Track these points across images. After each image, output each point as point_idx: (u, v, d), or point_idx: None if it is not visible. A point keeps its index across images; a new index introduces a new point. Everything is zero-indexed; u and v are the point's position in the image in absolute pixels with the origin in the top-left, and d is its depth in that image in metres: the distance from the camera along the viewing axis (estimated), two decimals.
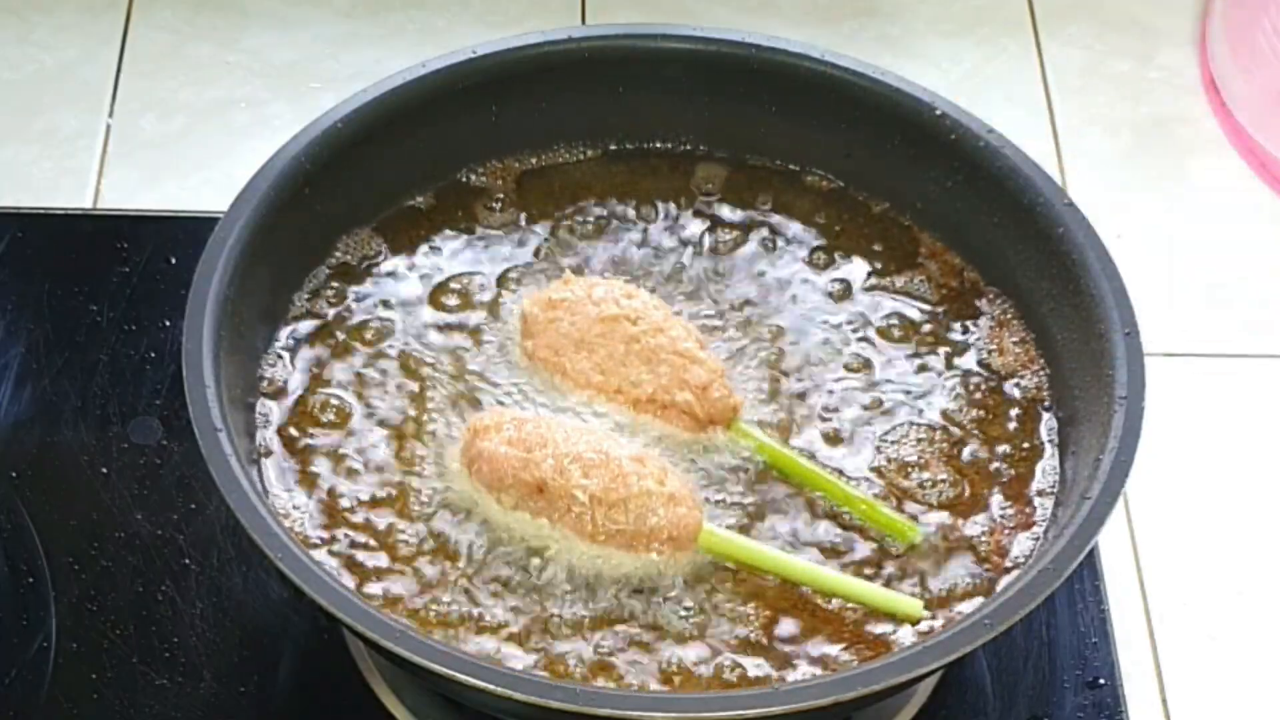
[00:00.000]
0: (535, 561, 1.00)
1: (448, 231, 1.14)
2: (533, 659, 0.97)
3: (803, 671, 0.97)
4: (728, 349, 1.09)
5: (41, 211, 1.32)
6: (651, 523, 0.99)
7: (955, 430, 1.07)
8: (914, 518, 1.03)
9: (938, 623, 0.99)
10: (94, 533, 1.15)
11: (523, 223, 1.15)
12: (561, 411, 1.06)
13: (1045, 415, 1.07)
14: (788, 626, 0.99)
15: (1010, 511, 1.04)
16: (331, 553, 1.00)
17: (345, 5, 1.50)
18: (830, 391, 1.08)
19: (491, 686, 0.90)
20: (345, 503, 1.02)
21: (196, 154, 1.39)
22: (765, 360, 1.09)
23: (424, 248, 1.13)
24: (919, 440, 1.06)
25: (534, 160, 1.17)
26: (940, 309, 1.12)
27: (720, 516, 1.02)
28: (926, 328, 1.11)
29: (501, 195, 1.16)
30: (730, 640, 0.98)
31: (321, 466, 1.04)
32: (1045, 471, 1.05)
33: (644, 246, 1.14)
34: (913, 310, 1.12)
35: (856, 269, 1.13)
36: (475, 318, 1.10)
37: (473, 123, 1.15)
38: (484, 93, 1.14)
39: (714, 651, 0.98)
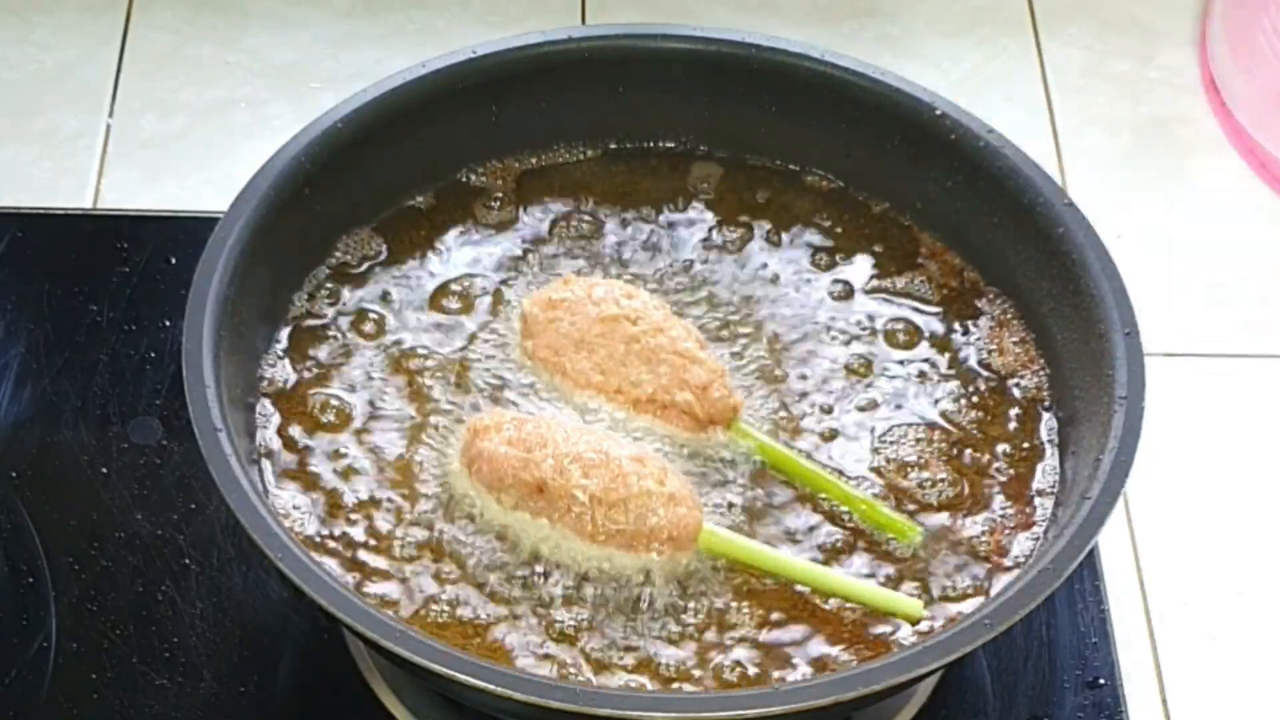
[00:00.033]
0: (535, 562, 1.00)
1: (448, 231, 1.14)
2: (532, 659, 0.97)
3: (802, 671, 0.97)
4: (728, 349, 1.09)
5: (41, 211, 1.32)
6: (651, 523, 0.99)
7: (955, 430, 1.07)
8: (914, 518, 1.03)
9: (938, 623, 0.99)
10: (94, 533, 1.15)
11: (523, 222, 1.15)
12: (561, 411, 1.06)
13: (1045, 415, 1.07)
14: (787, 626, 0.99)
15: (1010, 511, 1.04)
16: (331, 553, 1.00)
17: (345, 5, 1.50)
18: (830, 391, 1.08)
19: (491, 686, 0.90)
20: (345, 503, 1.02)
21: (196, 154, 1.39)
22: (766, 360, 1.09)
23: (424, 248, 1.13)
24: (919, 440, 1.06)
25: (534, 160, 1.17)
26: (941, 309, 1.12)
27: (720, 516, 1.02)
28: (927, 328, 1.11)
29: (501, 195, 1.16)
30: (730, 640, 0.98)
31: (321, 466, 1.04)
32: (1045, 471, 1.05)
33: (644, 246, 1.14)
34: (913, 311, 1.12)
35: (857, 269, 1.13)
36: (475, 318, 1.10)
37: (473, 123, 1.15)
38: (484, 93, 1.14)
39: (714, 651, 0.98)
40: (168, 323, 1.25)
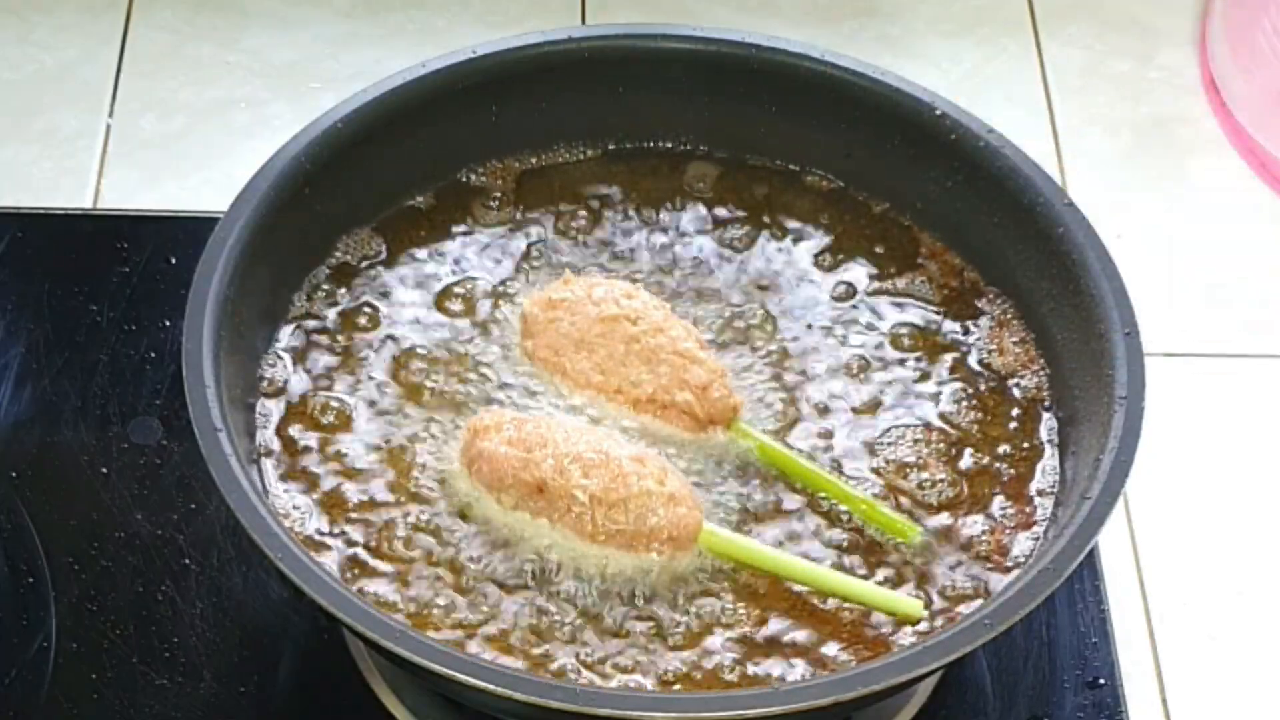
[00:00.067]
0: (535, 562, 1.00)
1: (448, 231, 1.14)
2: (532, 659, 0.97)
3: (802, 671, 0.97)
4: (728, 349, 1.09)
5: (41, 211, 1.32)
6: (651, 523, 0.99)
7: (955, 430, 1.07)
8: (914, 517, 1.03)
9: (938, 623, 0.99)
10: (94, 533, 1.15)
11: (522, 222, 1.15)
12: (561, 411, 1.06)
13: (1045, 415, 1.07)
14: (787, 626, 0.99)
15: (1010, 511, 1.04)
16: (331, 553, 1.00)
17: (345, 5, 1.50)
18: (830, 391, 1.08)
19: (491, 686, 0.90)
20: (345, 503, 1.02)
21: (196, 154, 1.39)
22: (766, 360, 1.09)
23: (424, 247, 1.13)
24: (919, 440, 1.06)
25: (534, 160, 1.17)
26: (941, 309, 1.12)
27: (720, 516, 1.02)
28: (927, 328, 1.11)
29: (501, 195, 1.16)
30: (730, 640, 0.98)
31: (322, 467, 1.04)
32: (1045, 471, 1.05)
33: (644, 246, 1.14)
34: (913, 311, 1.12)
35: (858, 270, 1.13)
36: (475, 318, 1.10)
37: (473, 123, 1.15)
38: (484, 93, 1.14)
39: (713, 651, 0.98)
40: (168, 323, 1.25)
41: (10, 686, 1.09)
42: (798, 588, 1.00)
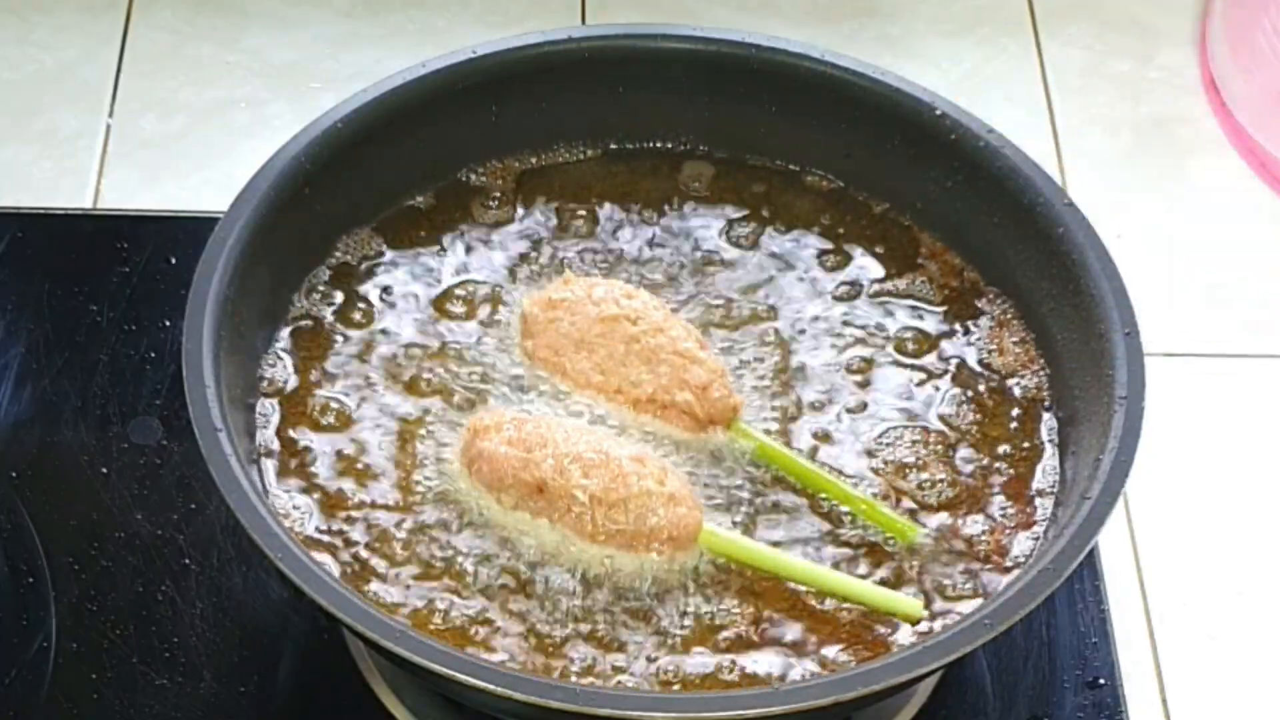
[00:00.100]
0: (535, 562, 1.00)
1: (448, 231, 1.14)
2: (532, 659, 0.97)
3: (802, 671, 0.97)
4: (728, 349, 1.09)
5: (41, 211, 1.32)
6: (651, 523, 0.99)
7: (955, 430, 1.07)
8: (914, 518, 1.03)
9: (937, 623, 0.99)
10: (94, 533, 1.15)
11: (522, 222, 1.15)
12: (561, 412, 1.06)
13: (1045, 415, 1.07)
14: (787, 626, 0.99)
15: (1010, 511, 1.04)
16: (331, 553, 1.00)
17: (345, 5, 1.50)
18: (830, 391, 1.08)
19: (491, 686, 0.90)
20: (345, 503, 1.02)
21: (196, 154, 1.39)
22: (766, 360, 1.09)
23: (424, 248, 1.13)
24: (919, 440, 1.06)
25: (534, 160, 1.17)
26: (941, 309, 1.12)
27: (720, 516, 1.02)
28: (927, 328, 1.11)
29: (501, 195, 1.16)
30: (729, 640, 0.98)
31: (321, 467, 1.04)
32: (1045, 471, 1.05)
33: (644, 246, 1.14)
34: (914, 311, 1.12)
35: (857, 269, 1.13)
36: (475, 318, 1.10)
37: (473, 123, 1.15)
38: (484, 93, 1.14)
39: (713, 651, 0.98)
40: (168, 323, 1.25)
41: (10, 686, 1.09)
42: (797, 588, 1.00)
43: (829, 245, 1.14)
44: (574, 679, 0.96)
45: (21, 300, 1.26)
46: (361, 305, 1.10)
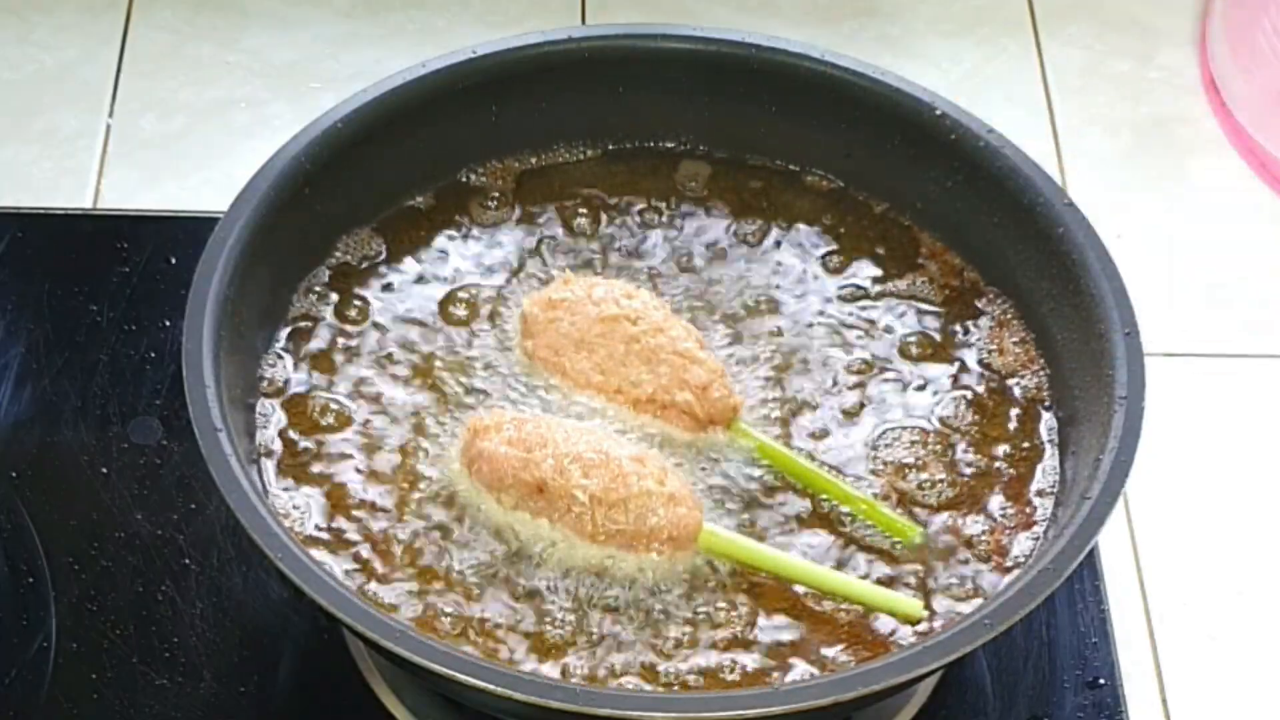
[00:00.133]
0: (535, 561, 1.00)
1: (447, 231, 1.14)
2: (532, 659, 0.97)
3: (801, 671, 0.97)
4: (728, 349, 1.09)
5: (41, 211, 1.32)
6: (651, 523, 0.99)
7: (955, 430, 1.07)
8: (913, 517, 1.03)
9: (938, 623, 0.99)
10: (94, 533, 1.15)
11: (522, 222, 1.15)
12: (561, 412, 1.06)
13: (1045, 415, 1.07)
14: (787, 626, 0.99)
15: (1010, 511, 1.04)
16: (331, 553, 1.00)
17: (345, 5, 1.50)
18: (830, 391, 1.08)
19: (491, 686, 0.90)
20: (345, 503, 1.02)
21: (196, 154, 1.39)
22: (766, 360, 1.09)
23: (424, 248, 1.13)
24: (919, 441, 1.06)
25: (534, 160, 1.17)
26: (941, 310, 1.12)
27: (720, 516, 1.02)
28: (927, 329, 1.11)
29: (501, 195, 1.16)
30: (729, 640, 0.98)
31: (321, 467, 1.04)
32: (1045, 471, 1.05)
33: (644, 246, 1.14)
34: (914, 311, 1.12)
35: (857, 270, 1.13)
36: (475, 318, 1.10)
37: (473, 123, 1.15)
38: (484, 93, 1.14)
39: (713, 651, 0.98)
40: (168, 323, 1.25)
41: (10, 686, 1.09)
42: (798, 588, 1.00)
43: (829, 245, 1.14)
44: (574, 679, 0.96)
45: (21, 300, 1.26)
46: (361, 305, 1.10)
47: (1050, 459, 1.05)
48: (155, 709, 1.09)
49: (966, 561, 1.02)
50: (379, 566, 1.00)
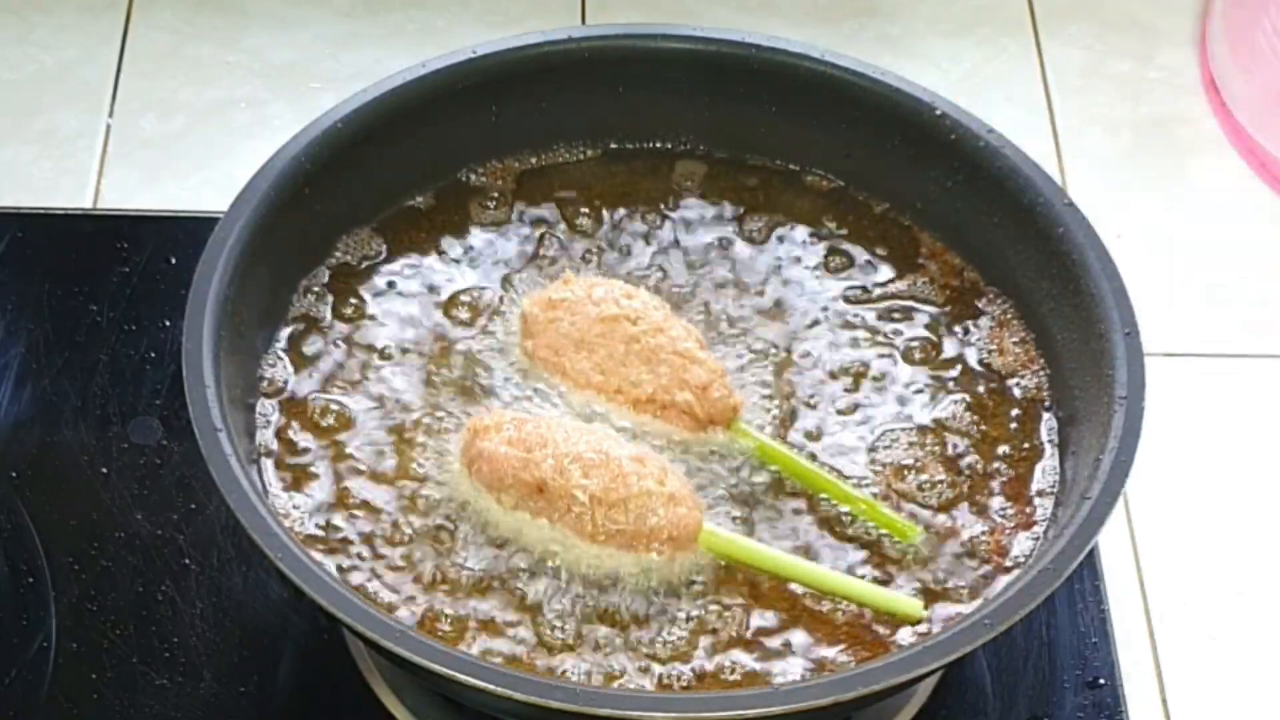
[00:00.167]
0: (535, 561, 1.00)
1: (447, 231, 1.14)
2: (532, 659, 0.97)
3: (802, 672, 0.97)
4: (728, 349, 1.09)
5: (41, 211, 1.32)
6: (651, 523, 0.99)
7: (955, 430, 1.07)
8: (913, 518, 1.03)
9: (937, 623, 0.99)
10: (94, 533, 1.15)
11: (523, 222, 1.15)
12: (561, 411, 1.06)
13: (1045, 415, 1.07)
14: (787, 626, 0.99)
15: (1010, 511, 1.04)
16: (331, 553, 1.00)
17: (345, 5, 1.50)
18: (830, 392, 1.08)
19: (491, 686, 0.90)
20: (345, 503, 1.02)
21: (196, 154, 1.39)
22: (766, 360, 1.09)
23: (424, 248, 1.13)
24: (918, 441, 1.06)
25: (534, 160, 1.17)
26: (941, 310, 1.12)
27: (720, 516, 1.02)
28: (927, 329, 1.11)
29: (501, 195, 1.16)
30: (729, 640, 0.98)
31: (321, 467, 1.04)
32: (1045, 471, 1.05)
33: (644, 246, 1.14)
34: (914, 311, 1.12)
35: (857, 270, 1.13)
36: (475, 317, 1.10)
37: (473, 123, 1.15)
38: (484, 93, 1.14)
39: (713, 652, 0.98)
40: (168, 323, 1.25)
41: (10, 686, 1.09)
42: (797, 588, 1.00)
43: (829, 245, 1.14)
44: (574, 679, 0.96)
45: (21, 300, 1.26)
46: (361, 306, 1.10)
47: (1050, 459, 1.05)
48: (155, 709, 1.09)
49: (966, 562, 1.02)
50: (379, 567, 1.00)
